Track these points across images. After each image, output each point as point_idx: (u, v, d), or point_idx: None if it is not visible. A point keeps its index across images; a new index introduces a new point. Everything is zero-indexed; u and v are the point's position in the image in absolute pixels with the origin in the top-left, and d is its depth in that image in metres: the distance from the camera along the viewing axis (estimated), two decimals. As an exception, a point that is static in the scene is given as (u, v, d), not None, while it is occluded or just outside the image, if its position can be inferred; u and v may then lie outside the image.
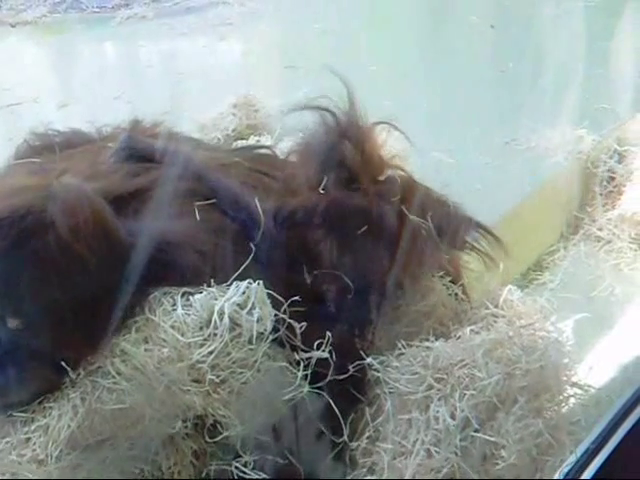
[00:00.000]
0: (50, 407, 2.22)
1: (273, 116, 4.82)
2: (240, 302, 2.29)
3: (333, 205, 2.80)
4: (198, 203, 2.62)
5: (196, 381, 2.26)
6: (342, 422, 2.50)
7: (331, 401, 2.50)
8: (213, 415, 2.29)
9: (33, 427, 2.19)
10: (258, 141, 4.35)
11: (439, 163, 4.26)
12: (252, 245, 2.55)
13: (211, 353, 2.23)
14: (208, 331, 2.26)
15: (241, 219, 2.70)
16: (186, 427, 2.30)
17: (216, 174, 2.83)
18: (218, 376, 2.25)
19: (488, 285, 3.03)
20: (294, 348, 2.46)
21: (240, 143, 4.33)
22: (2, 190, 2.34)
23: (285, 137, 4.34)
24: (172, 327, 2.26)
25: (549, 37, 6.35)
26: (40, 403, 2.24)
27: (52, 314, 2.22)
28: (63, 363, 2.22)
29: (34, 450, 2.15)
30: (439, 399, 2.39)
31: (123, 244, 2.33)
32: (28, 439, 2.17)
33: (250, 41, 7.18)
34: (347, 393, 2.57)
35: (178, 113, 4.15)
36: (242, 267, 2.42)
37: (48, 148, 3.29)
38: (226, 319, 2.25)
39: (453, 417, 2.33)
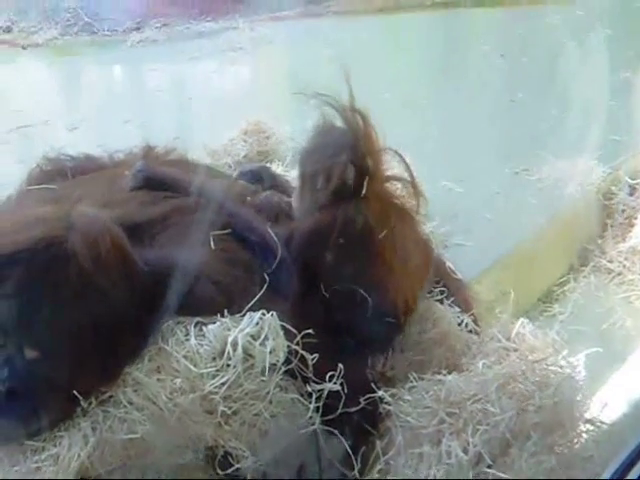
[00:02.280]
0: (61, 436, 2.19)
1: (284, 143, 4.83)
2: (253, 333, 2.28)
3: (343, 227, 2.80)
4: (213, 233, 2.62)
5: (208, 412, 2.24)
6: (353, 455, 2.49)
7: (342, 434, 2.49)
8: (224, 446, 2.27)
9: (43, 456, 2.16)
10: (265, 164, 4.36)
11: (449, 192, 4.26)
12: (266, 275, 2.55)
13: (224, 384, 2.21)
14: (221, 362, 2.24)
15: (256, 248, 2.71)
16: (197, 458, 2.28)
17: (229, 202, 2.84)
18: (230, 407, 2.23)
19: (499, 316, 3.02)
20: (305, 380, 2.44)
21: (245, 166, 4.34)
22: (20, 220, 2.32)
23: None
24: (185, 357, 2.25)
25: (560, 67, 6.34)
26: (51, 431, 2.22)
27: (71, 345, 2.20)
28: (76, 393, 2.20)
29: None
30: (451, 433, 2.38)
31: (140, 275, 2.32)
32: (38, 468, 2.14)
33: (260, 66, 7.23)
34: (358, 426, 2.55)
35: (188, 138, 4.14)
36: (255, 298, 2.40)
37: (60, 173, 3.31)
38: (239, 350, 2.24)
39: (465, 452, 2.32)
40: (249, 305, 2.37)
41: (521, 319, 2.90)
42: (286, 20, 8.25)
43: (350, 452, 2.49)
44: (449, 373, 2.59)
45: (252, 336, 2.27)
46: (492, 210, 4.08)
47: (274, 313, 2.35)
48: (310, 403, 2.39)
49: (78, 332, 2.19)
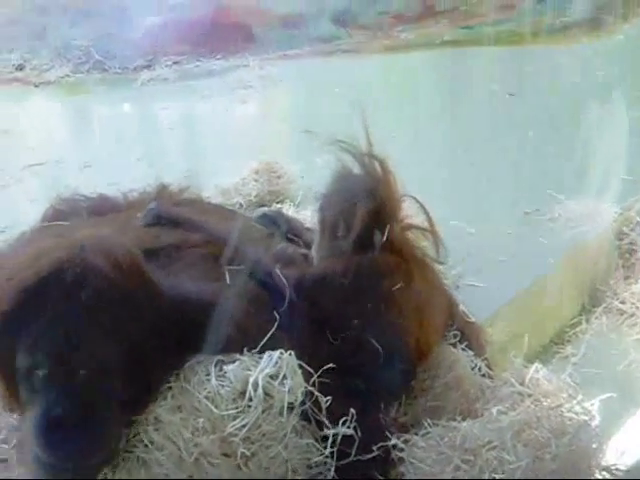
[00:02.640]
0: None
1: (295, 182, 4.85)
2: (273, 373, 2.29)
3: (356, 275, 2.81)
4: (229, 267, 2.65)
5: (225, 455, 2.24)
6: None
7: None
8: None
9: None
10: (280, 208, 4.38)
11: (460, 232, 4.26)
12: (277, 314, 2.57)
13: (244, 427, 2.22)
14: (242, 403, 2.25)
15: (267, 287, 2.73)
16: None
17: (242, 242, 2.85)
18: (249, 449, 2.24)
19: (512, 360, 3.01)
20: (318, 423, 2.44)
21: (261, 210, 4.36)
22: (30, 252, 2.33)
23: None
24: (206, 398, 2.26)
25: (569, 106, 6.38)
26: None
27: (117, 357, 2.24)
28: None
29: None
30: (466, 480, 2.35)
31: (161, 296, 2.36)
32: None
33: (270, 105, 7.28)
34: (370, 473, 2.53)
35: (199, 176, 4.16)
36: (268, 334, 2.43)
37: (75, 213, 3.33)
38: (260, 391, 2.25)
39: (482, 500, 2.30)
40: (263, 341, 2.40)
41: (535, 364, 2.89)
42: (296, 59, 8.31)
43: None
44: (463, 419, 2.59)
45: (271, 376, 2.29)
46: (504, 251, 4.07)
47: (292, 352, 2.37)
48: (325, 448, 2.39)
49: (122, 349, 2.24)
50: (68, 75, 8.19)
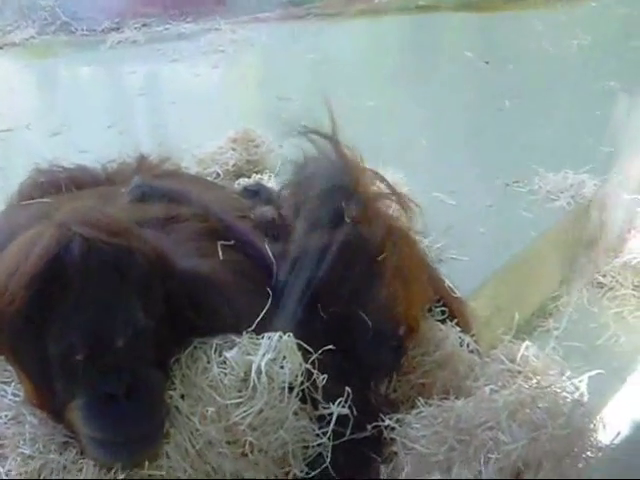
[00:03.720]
0: (87, 463, 2.16)
1: (273, 151, 4.78)
2: (274, 357, 2.26)
3: (340, 249, 2.77)
4: (221, 243, 2.62)
5: (229, 442, 2.22)
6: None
7: (346, 460, 2.44)
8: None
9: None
10: (260, 179, 4.31)
11: (441, 204, 4.23)
12: (269, 290, 2.55)
13: (249, 415, 2.19)
14: (246, 391, 2.22)
15: (256, 262, 2.70)
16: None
17: (228, 216, 2.84)
18: (252, 435, 2.22)
19: (501, 337, 3.00)
20: (313, 402, 2.41)
21: (243, 181, 4.29)
22: (24, 240, 2.23)
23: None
24: (210, 386, 2.24)
25: (545, 76, 6.35)
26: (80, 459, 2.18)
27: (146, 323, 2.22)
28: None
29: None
30: (462, 461, 2.33)
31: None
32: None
33: (242, 70, 7.15)
34: (363, 451, 2.51)
35: (173, 145, 4.07)
36: (263, 312, 2.42)
37: (54, 185, 3.24)
38: (264, 379, 2.22)
39: (477, 481, 2.28)
40: (258, 319, 2.38)
41: (525, 342, 2.88)
42: (267, 22, 8.17)
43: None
44: (455, 397, 2.56)
45: (272, 359, 2.26)
46: (485, 223, 4.05)
47: (290, 334, 2.34)
48: (320, 428, 2.37)
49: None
50: (33, 37, 8.00)
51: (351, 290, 2.73)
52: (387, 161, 4.24)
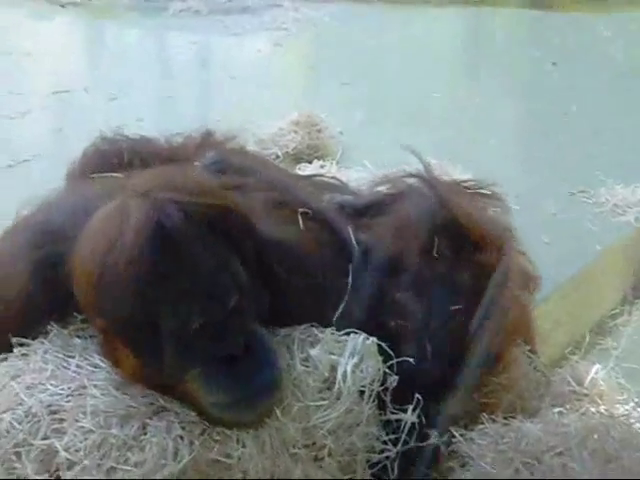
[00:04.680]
0: (150, 442, 2.07)
1: (335, 137, 4.70)
2: (357, 361, 2.22)
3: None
4: (301, 210, 2.59)
5: (306, 446, 2.16)
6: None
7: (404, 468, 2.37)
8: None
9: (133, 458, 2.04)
10: (322, 166, 4.23)
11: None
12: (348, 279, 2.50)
13: (331, 419, 2.14)
14: (330, 396, 2.18)
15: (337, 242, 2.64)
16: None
17: (311, 198, 2.78)
18: (328, 439, 2.17)
19: (563, 354, 2.91)
20: (381, 407, 2.33)
21: (304, 166, 4.22)
22: (113, 217, 2.15)
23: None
24: (293, 384, 2.19)
25: (614, 82, 6.19)
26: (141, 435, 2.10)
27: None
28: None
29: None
30: (527, 486, 2.24)
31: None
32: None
33: (303, 50, 7.06)
34: (422, 462, 2.43)
35: (231, 122, 3.99)
36: (341, 307, 2.40)
37: (116, 154, 3.18)
38: (350, 382, 2.18)
39: (542, 509, 2.19)
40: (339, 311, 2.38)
41: (596, 365, 2.78)
42: (332, 2, 8.03)
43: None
44: (521, 417, 2.47)
45: (356, 364, 2.22)
46: (549, 233, 3.92)
47: (373, 339, 2.29)
48: (387, 434, 2.31)
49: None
50: (96, -3, 7.93)
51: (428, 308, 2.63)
52: (454, 158, 4.19)
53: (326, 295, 2.46)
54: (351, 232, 2.67)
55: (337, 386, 2.18)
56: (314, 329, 2.34)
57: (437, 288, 2.63)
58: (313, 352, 2.24)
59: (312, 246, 2.55)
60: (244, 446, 2.10)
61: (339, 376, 2.18)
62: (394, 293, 2.63)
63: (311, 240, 2.56)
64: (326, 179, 3.33)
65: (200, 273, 2.08)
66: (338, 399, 2.17)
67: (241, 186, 2.65)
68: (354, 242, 2.63)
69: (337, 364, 2.22)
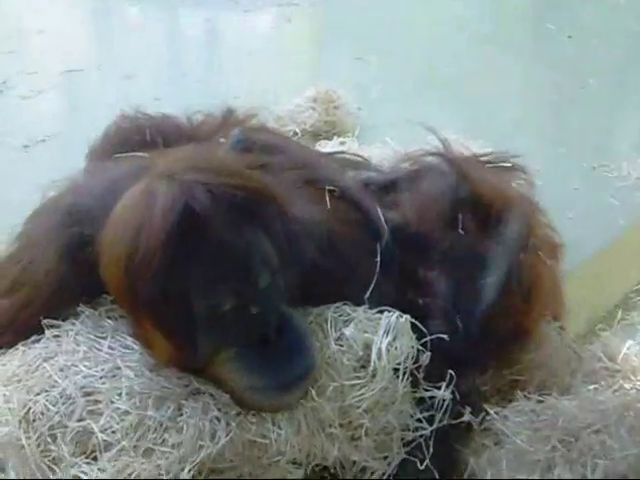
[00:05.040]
0: (187, 423, 2.07)
1: (352, 114, 4.66)
2: (392, 339, 2.21)
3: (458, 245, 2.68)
4: (329, 188, 2.59)
5: (342, 425, 2.16)
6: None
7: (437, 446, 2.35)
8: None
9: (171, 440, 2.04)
10: (342, 142, 4.20)
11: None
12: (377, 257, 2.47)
13: (367, 398, 2.13)
14: (366, 374, 2.17)
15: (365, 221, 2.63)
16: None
17: (341, 176, 2.79)
18: (365, 418, 2.16)
19: (599, 333, 2.89)
20: (414, 384, 2.32)
21: (324, 143, 4.19)
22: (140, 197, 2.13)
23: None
24: (327, 364, 2.18)
25: (631, 53, 6.12)
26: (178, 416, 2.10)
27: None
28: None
29: (157, 467, 2.01)
30: (564, 463, 2.23)
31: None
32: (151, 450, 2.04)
33: (317, 26, 6.97)
34: (454, 438, 2.41)
35: (249, 100, 3.95)
36: (372, 284, 2.37)
37: (138, 132, 3.18)
38: (385, 361, 2.17)
39: (581, 486, 2.18)
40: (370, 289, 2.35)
41: (629, 341, 2.75)
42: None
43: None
44: (559, 396, 2.45)
45: (390, 342, 2.20)
46: (572, 208, 3.88)
47: (407, 317, 2.28)
48: (420, 412, 2.31)
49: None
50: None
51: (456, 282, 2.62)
52: (473, 132, 4.15)
53: (356, 274, 2.44)
54: (379, 211, 2.65)
55: (372, 365, 2.17)
56: (347, 307, 2.33)
57: (464, 263, 2.61)
58: (347, 331, 2.23)
59: (340, 225, 2.53)
60: (280, 427, 2.10)
61: (374, 354, 2.17)
62: (423, 270, 2.62)
63: (339, 219, 2.55)
64: (349, 156, 3.29)
65: (230, 254, 2.06)
66: (373, 377, 2.17)
67: (267, 165, 2.62)
68: (383, 221, 2.61)
69: (371, 342, 2.21)
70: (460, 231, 2.70)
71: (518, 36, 6.63)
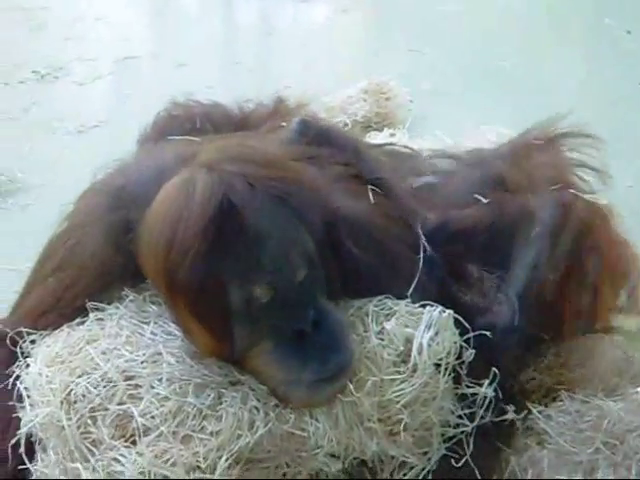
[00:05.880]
0: (226, 411, 2.07)
1: (403, 106, 4.63)
2: (433, 334, 2.17)
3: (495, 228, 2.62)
4: (371, 187, 2.54)
5: (380, 420, 2.12)
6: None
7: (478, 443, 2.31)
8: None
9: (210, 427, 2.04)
10: (392, 134, 4.18)
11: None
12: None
13: (406, 394, 2.10)
14: (406, 369, 2.13)
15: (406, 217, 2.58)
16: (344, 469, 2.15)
17: (391, 177, 2.72)
18: (404, 414, 2.12)
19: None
20: (457, 380, 2.27)
21: (374, 134, 4.18)
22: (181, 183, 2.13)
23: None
24: (367, 358, 2.15)
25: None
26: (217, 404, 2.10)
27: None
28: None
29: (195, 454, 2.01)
30: (608, 466, 2.18)
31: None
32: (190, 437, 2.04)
33: (372, 17, 6.93)
34: (496, 437, 2.38)
35: (301, 90, 3.94)
36: (415, 280, 2.33)
37: (189, 119, 3.19)
38: (425, 356, 2.13)
39: (624, 489, 2.13)
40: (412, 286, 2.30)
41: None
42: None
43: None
44: (605, 398, 2.39)
45: (431, 337, 2.17)
46: (625, 206, 3.78)
47: (450, 312, 2.23)
48: (462, 409, 2.26)
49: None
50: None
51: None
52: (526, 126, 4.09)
53: (398, 269, 2.41)
54: (421, 208, 2.62)
55: (413, 360, 2.13)
56: (388, 301, 2.29)
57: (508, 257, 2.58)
58: (388, 325, 2.20)
59: (383, 220, 2.50)
60: (317, 420, 2.08)
61: (415, 349, 2.14)
62: (466, 266, 2.58)
63: (381, 214, 2.52)
64: (399, 147, 3.26)
65: (266, 246, 2.06)
66: (414, 373, 2.13)
67: (316, 157, 2.60)
68: (424, 216, 2.59)
69: (412, 337, 2.18)
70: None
71: (575, 30, 6.52)
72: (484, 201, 2.67)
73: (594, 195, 2.85)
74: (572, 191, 2.73)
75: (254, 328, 2.09)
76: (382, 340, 2.18)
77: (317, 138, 2.72)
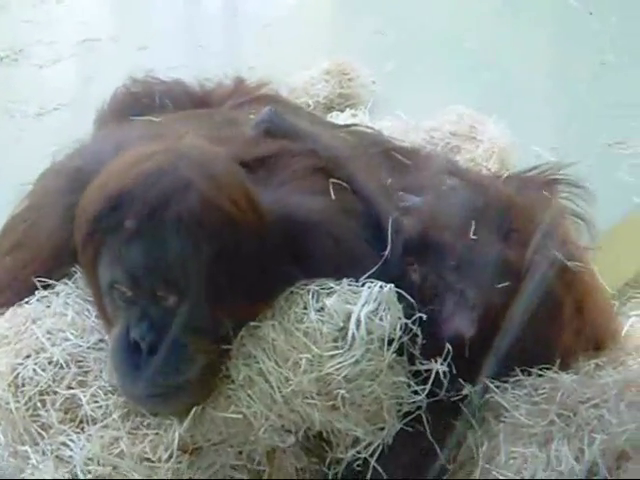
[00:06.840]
0: None
1: (366, 86, 4.62)
2: (373, 309, 2.15)
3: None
4: (333, 181, 2.46)
5: (320, 394, 2.12)
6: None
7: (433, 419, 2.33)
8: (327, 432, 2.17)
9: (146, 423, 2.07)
10: (354, 115, 4.16)
11: (539, 159, 4.02)
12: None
13: (345, 367, 2.09)
14: (343, 342, 2.12)
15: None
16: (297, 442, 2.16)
17: (354, 165, 2.65)
18: (345, 388, 2.12)
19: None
20: (410, 357, 2.28)
21: (336, 115, 4.16)
22: (128, 158, 2.14)
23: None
24: (305, 334, 2.13)
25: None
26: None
27: (209, 283, 2.07)
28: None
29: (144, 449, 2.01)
30: (562, 438, 2.20)
31: (261, 210, 2.19)
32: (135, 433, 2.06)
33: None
34: (451, 412, 2.38)
35: (264, 70, 3.93)
36: (375, 268, 2.27)
37: (148, 95, 3.18)
38: (363, 331, 2.11)
39: (578, 460, 2.14)
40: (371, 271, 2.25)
41: (631, 318, 2.72)
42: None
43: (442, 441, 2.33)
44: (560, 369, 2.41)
45: (372, 311, 2.15)
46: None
47: (391, 286, 2.21)
48: (416, 384, 2.27)
49: (214, 264, 2.06)
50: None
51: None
52: (488, 108, 4.11)
53: (353, 265, 2.33)
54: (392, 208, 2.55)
55: (350, 333, 2.11)
56: (330, 282, 2.26)
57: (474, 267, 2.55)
58: (328, 301, 2.18)
59: (340, 216, 2.43)
60: (253, 400, 2.12)
61: (352, 323, 2.12)
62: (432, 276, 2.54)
63: (340, 210, 2.45)
64: (362, 128, 3.23)
65: (141, 244, 2.04)
66: (351, 347, 2.12)
67: (281, 153, 2.54)
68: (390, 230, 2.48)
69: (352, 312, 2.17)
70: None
71: (539, 11, 6.51)
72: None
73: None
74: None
75: (114, 310, 2.12)
76: (322, 317, 2.16)
77: (284, 131, 2.67)
